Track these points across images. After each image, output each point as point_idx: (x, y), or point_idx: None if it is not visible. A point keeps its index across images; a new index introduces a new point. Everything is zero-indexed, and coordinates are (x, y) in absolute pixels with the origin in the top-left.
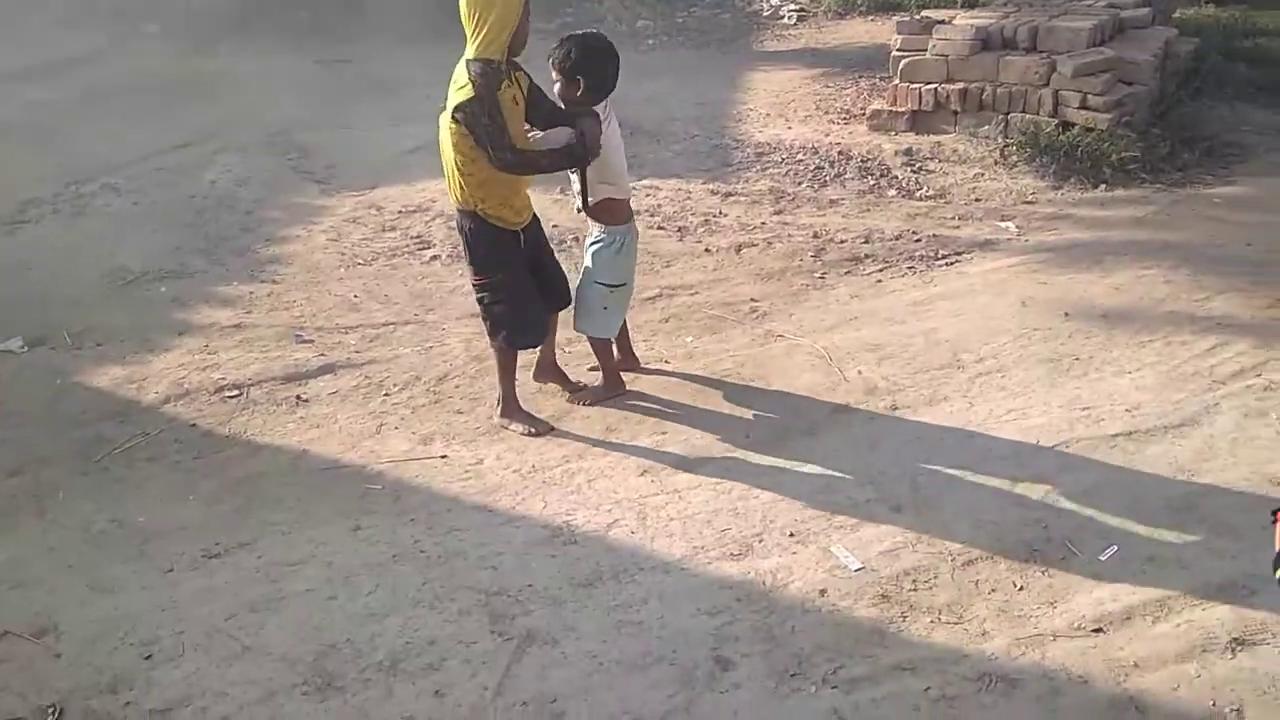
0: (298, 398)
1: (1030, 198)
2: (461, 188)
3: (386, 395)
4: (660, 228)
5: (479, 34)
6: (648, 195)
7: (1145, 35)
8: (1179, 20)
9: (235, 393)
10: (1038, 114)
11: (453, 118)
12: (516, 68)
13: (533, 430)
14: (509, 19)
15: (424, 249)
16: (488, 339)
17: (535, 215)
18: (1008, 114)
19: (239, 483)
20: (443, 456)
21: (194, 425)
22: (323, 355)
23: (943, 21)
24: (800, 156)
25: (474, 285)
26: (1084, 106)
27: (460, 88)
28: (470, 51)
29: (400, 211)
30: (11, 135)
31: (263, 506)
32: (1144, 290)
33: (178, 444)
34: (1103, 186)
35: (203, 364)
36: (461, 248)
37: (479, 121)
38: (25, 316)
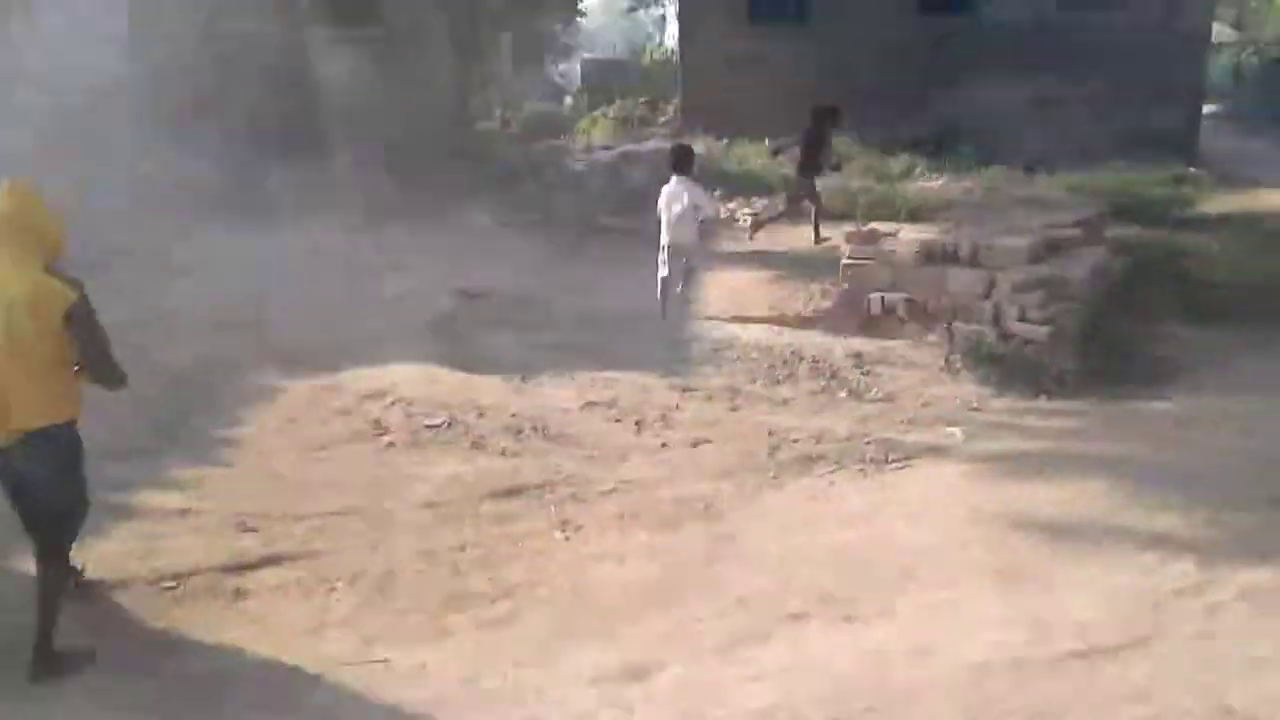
0: (238, 590)
1: (975, 405)
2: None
3: (331, 590)
4: (617, 420)
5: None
6: (606, 387)
7: (1079, 254)
8: (1110, 240)
9: (174, 584)
10: (980, 324)
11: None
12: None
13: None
14: None
15: (381, 435)
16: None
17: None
18: (952, 323)
19: (170, 685)
20: (384, 660)
21: (128, 620)
22: (268, 545)
23: (890, 234)
24: (755, 354)
25: (69, 502)
26: (1024, 319)
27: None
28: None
29: (361, 395)
30: None
31: (194, 711)
32: (1087, 503)
33: (111, 640)
34: (1044, 397)
35: (144, 551)
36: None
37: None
38: None
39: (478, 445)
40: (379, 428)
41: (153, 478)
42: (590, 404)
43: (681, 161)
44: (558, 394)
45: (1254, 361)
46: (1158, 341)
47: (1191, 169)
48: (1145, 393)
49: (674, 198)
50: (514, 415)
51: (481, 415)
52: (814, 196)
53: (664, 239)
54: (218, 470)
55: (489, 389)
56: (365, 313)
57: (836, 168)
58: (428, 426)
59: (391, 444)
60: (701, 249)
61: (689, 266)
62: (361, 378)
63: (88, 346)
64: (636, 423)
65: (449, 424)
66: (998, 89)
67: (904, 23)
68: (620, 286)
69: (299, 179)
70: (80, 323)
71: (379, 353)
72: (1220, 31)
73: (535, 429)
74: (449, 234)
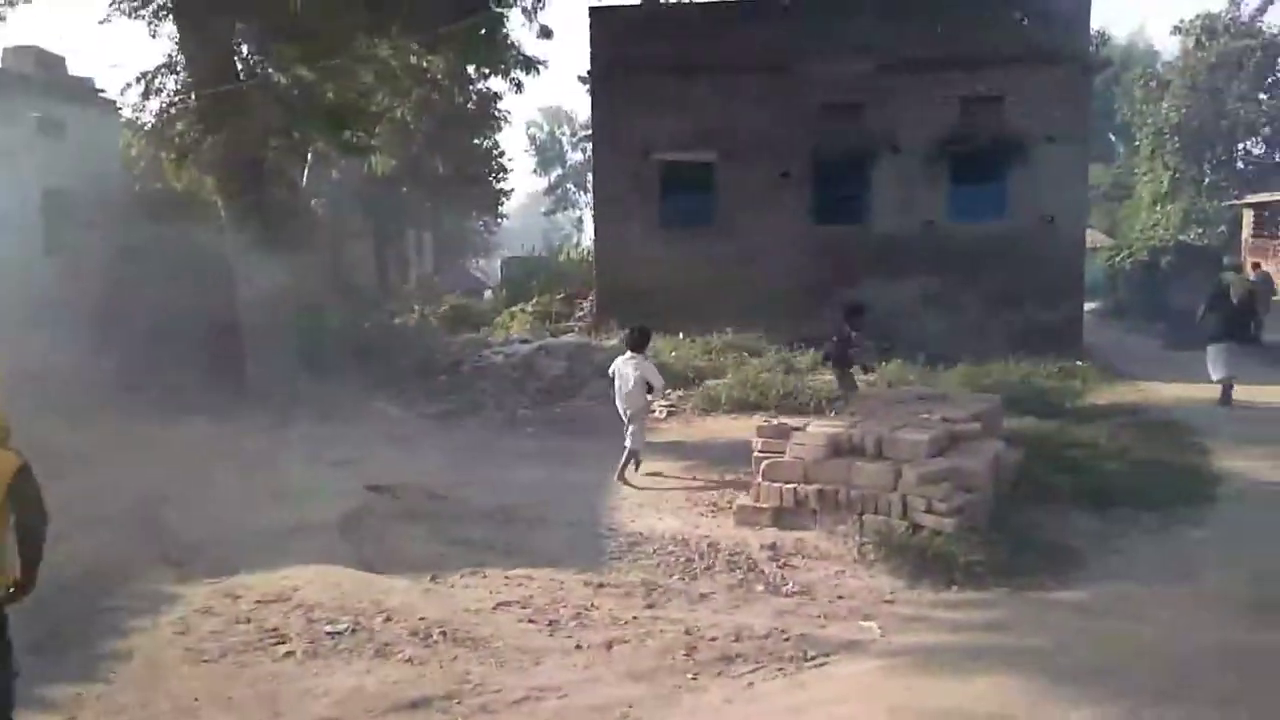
0: None
1: (889, 596)
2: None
3: None
4: (531, 621)
5: None
6: (519, 585)
7: (977, 447)
8: (1006, 432)
9: None
10: (890, 515)
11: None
12: None
13: None
14: None
15: (278, 644)
16: None
17: None
18: (862, 514)
19: None
20: None
21: None
22: None
23: (798, 428)
24: (671, 548)
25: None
26: (930, 511)
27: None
28: None
29: (258, 601)
30: None
31: None
32: (1005, 700)
33: None
34: (954, 588)
35: None
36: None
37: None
38: None
39: (382, 653)
40: (277, 636)
41: (27, 695)
42: (503, 604)
43: (638, 341)
44: (469, 594)
45: (1147, 548)
46: (1058, 530)
47: (1078, 362)
48: (1050, 582)
49: (626, 372)
50: (422, 619)
51: (388, 619)
52: (849, 386)
53: (619, 405)
54: (98, 687)
55: (397, 590)
56: (269, 510)
57: (868, 370)
58: (329, 634)
59: (290, 653)
60: (642, 415)
61: (631, 429)
62: (261, 581)
63: (29, 509)
64: (550, 623)
65: (352, 630)
66: (893, 288)
67: (802, 230)
68: (535, 478)
69: (210, 373)
70: (28, 482)
71: (282, 553)
72: (1095, 237)
73: (444, 633)
74: (362, 426)
